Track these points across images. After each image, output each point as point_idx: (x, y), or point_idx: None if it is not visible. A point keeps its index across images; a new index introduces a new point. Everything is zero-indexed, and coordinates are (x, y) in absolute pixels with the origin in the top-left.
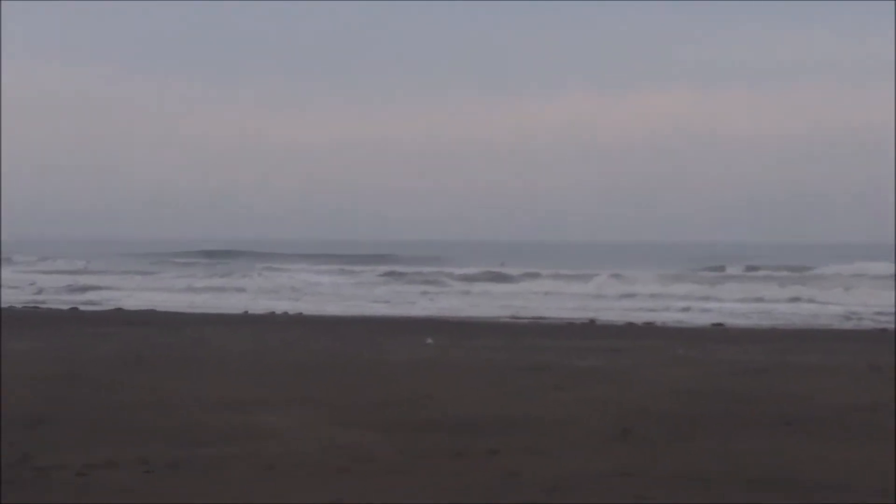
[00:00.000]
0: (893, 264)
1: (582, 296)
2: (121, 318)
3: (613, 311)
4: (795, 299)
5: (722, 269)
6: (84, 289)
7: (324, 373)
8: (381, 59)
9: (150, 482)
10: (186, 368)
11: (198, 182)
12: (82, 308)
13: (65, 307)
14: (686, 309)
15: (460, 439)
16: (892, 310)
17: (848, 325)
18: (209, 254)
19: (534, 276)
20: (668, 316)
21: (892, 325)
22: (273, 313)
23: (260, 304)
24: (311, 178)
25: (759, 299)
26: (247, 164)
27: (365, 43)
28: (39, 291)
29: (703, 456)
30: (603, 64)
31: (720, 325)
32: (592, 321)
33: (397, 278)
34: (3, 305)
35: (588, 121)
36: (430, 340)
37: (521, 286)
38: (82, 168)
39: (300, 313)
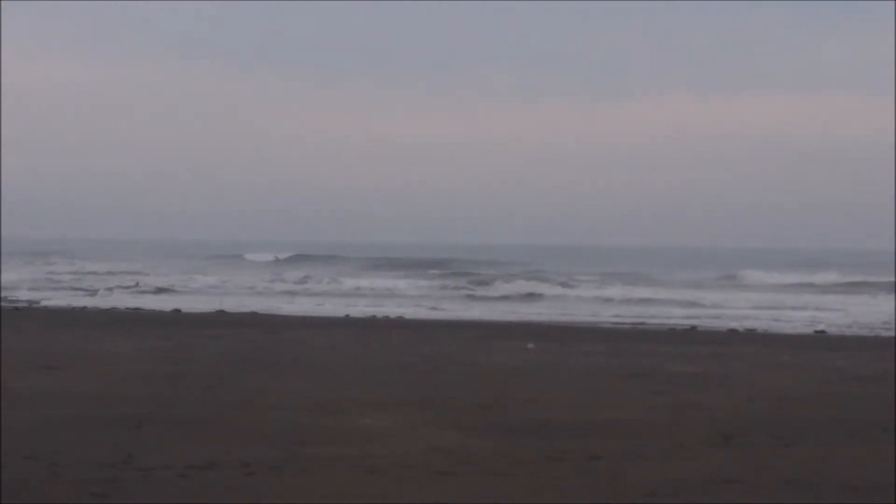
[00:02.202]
0: None
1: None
2: (222, 321)
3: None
4: None
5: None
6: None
7: (425, 376)
8: (473, 61)
9: (252, 483)
10: (288, 371)
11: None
12: (184, 311)
13: (168, 309)
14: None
15: (561, 443)
16: None
17: None
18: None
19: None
20: (770, 323)
21: None
22: (374, 317)
23: (356, 309)
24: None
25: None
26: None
27: (461, 42)
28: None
29: (805, 462)
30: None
31: (822, 332)
32: (693, 327)
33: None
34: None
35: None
36: (531, 345)
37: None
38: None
39: (401, 317)
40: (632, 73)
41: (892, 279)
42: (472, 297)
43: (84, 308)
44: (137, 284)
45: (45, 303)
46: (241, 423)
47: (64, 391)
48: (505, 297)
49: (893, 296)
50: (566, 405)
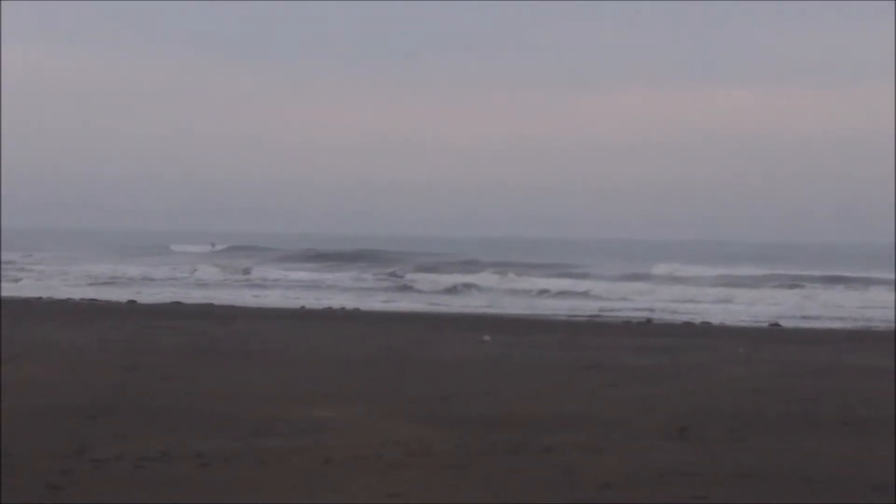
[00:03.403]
0: None
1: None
2: (178, 311)
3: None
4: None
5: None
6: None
7: (381, 368)
8: (441, 51)
9: (206, 475)
10: (244, 362)
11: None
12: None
13: (123, 300)
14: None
15: (516, 436)
16: None
17: None
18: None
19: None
20: (726, 316)
21: None
22: (330, 308)
23: (298, 301)
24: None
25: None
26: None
27: (427, 33)
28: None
29: (760, 455)
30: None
31: (777, 325)
32: (649, 320)
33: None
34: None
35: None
36: (486, 337)
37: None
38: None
39: (357, 308)
40: (595, 65)
41: (848, 273)
42: (411, 289)
43: (39, 298)
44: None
45: None
46: (195, 414)
47: (16, 382)
48: (442, 290)
49: (842, 288)
50: (521, 398)
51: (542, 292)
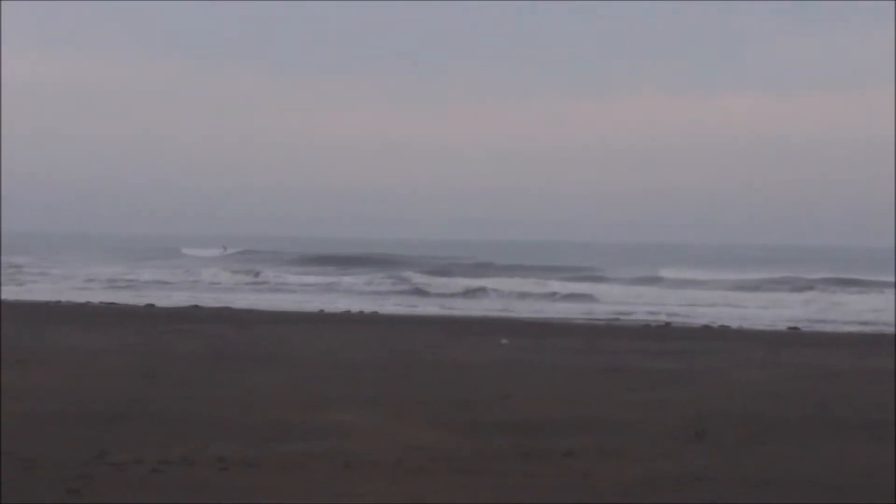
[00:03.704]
0: None
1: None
2: (196, 315)
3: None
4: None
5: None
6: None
7: (400, 372)
8: (445, 57)
9: (226, 479)
10: (263, 367)
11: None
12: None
13: (141, 303)
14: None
15: (535, 440)
16: None
17: None
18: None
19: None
20: (742, 320)
21: None
22: (349, 312)
23: (312, 304)
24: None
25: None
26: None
27: (432, 39)
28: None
29: (779, 460)
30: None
31: (796, 328)
32: (667, 324)
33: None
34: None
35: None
36: (504, 341)
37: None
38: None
39: (375, 312)
40: (602, 71)
41: (868, 277)
42: (423, 293)
43: (59, 302)
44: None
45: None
46: (215, 419)
47: (36, 387)
48: (456, 294)
49: (861, 292)
50: (540, 402)
51: (554, 295)
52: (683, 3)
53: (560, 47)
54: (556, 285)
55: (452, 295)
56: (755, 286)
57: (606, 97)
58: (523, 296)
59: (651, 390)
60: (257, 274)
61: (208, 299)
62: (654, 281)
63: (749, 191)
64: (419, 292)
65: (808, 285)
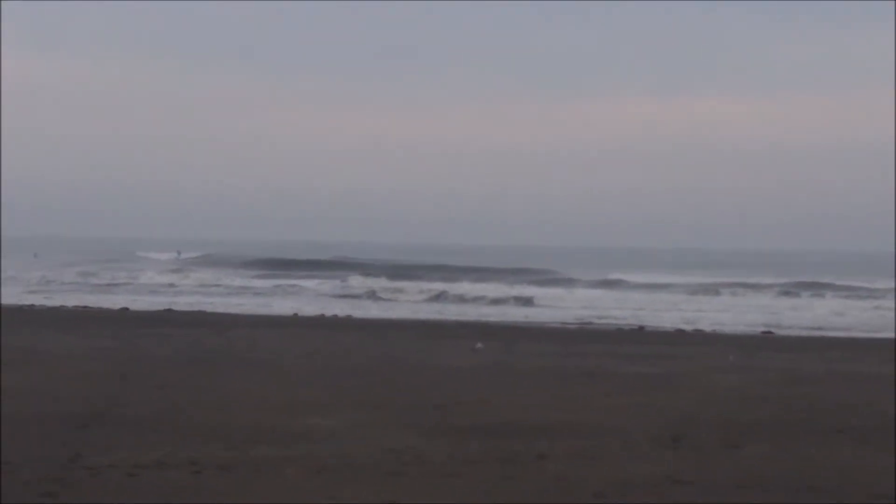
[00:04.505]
0: None
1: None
2: (170, 319)
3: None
4: None
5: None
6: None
7: (375, 376)
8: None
9: (200, 482)
10: (237, 370)
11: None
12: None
13: (115, 307)
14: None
15: (510, 444)
16: None
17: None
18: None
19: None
20: (717, 323)
21: None
22: (323, 315)
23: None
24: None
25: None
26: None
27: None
28: None
29: (754, 463)
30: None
31: (769, 332)
32: (641, 327)
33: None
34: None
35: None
36: (479, 345)
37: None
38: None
39: (349, 316)
40: (588, 75)
41: (839, 281)
42: (381, 299)
43: (32, 306)
44: None
45: None
46: (189, 422)
47: (11, 389)
48: (422, 299)
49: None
50: (515, 406)
51: (520, 299)
52: (674, 3)
53: (544, 50)
54: (526, 290)
55: (419, 301)
56: (733, 290)
57: (587, 99)
58: (494, 301)
59: (626, 394)
60: (214, 278)
61: (146, 303)
62: (616, 284)
63: (739, 195)
64: (377, 298)
65: (785, 290)
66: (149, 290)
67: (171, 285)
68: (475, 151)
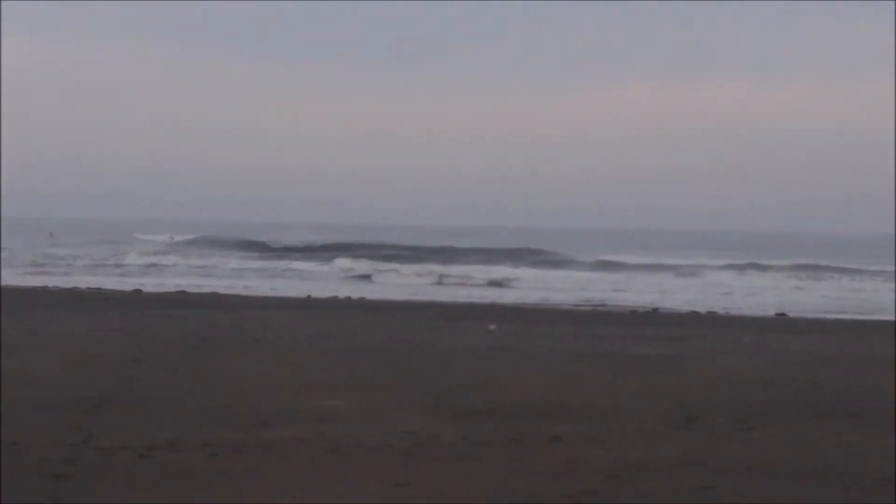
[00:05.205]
0: None
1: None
2: (183, 301)
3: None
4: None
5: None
6: None
7: (388, 357)
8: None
9: (213, 464)
10: (250, 352)
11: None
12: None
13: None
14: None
15: (522, 426)
16: None
17: None
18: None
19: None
20: (731, 305)
21: None
22: (336, 297)
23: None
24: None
25: None
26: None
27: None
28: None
29: (766, 445)
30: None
31: (783, 314)
32: (655, 310)
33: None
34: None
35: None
36: (492, 327)
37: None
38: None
39: (363, 298)
40: (589, 62)
41: (849, 264)
42: (372, 281)
43: (45, 287)
44: None
45: None
46: (202, 404)
47: (23, 372)
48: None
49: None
50: (528, 387)
51: (521, 280)
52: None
53: (545, 37)
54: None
55: (419, 284)
56: (747, 272)
57: (593, 84)
58: (499, 282)
59: (639, 376)
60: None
61: (127, 283)
62: (619, 266)
63: (745, 177)
64: (364, 279)
65: (797, 272)
66: (128, 271)
67: (153, 265)
68: (472, 137)
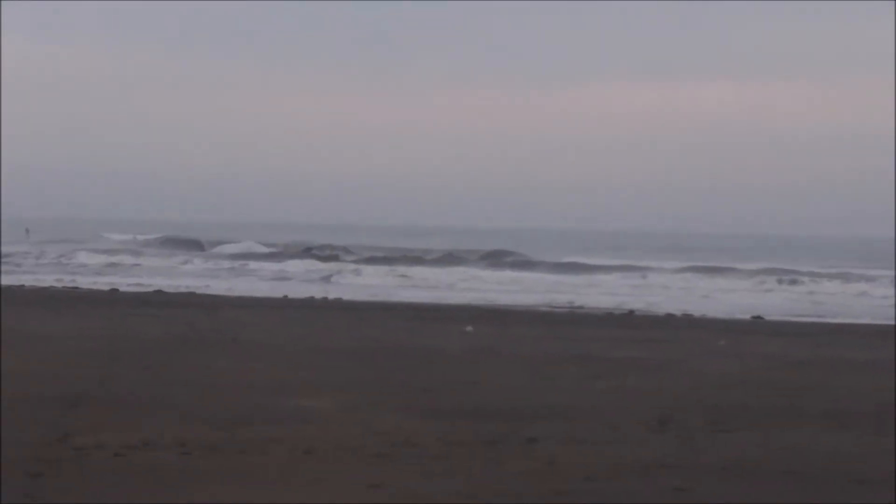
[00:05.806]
0: None
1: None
2: (160, 300)
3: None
4: None
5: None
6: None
7: (364, 358)
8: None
9: (188, 463)
10: (226, 351)
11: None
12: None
13: (106, 287)
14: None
15: (499, 427)
16: None
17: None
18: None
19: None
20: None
21: None
22: (312, 297)
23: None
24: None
25: None
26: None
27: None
28: None
29: (742, 447)
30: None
31: (759, 318)
32: (631, 312)
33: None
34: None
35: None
36: (469, 328)
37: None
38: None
39: (339, 298)
40: (568, 62)
41: (831, 269)
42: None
43: (22, 286)
44: None
45: None
46: (177, 403)
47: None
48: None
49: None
50: (505, 389)
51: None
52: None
53: (534, 37)
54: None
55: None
56: (725, 275)
57: (583, 84)
58: (470, 284)
59: (615, 378)
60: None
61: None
62: (633, 269)
63: (730, 180)
64: (334, 279)
65: (777, 276)
66: (88, 270)
67: (113, 265)
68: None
